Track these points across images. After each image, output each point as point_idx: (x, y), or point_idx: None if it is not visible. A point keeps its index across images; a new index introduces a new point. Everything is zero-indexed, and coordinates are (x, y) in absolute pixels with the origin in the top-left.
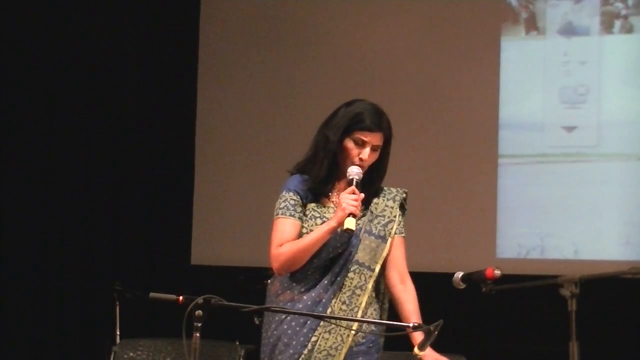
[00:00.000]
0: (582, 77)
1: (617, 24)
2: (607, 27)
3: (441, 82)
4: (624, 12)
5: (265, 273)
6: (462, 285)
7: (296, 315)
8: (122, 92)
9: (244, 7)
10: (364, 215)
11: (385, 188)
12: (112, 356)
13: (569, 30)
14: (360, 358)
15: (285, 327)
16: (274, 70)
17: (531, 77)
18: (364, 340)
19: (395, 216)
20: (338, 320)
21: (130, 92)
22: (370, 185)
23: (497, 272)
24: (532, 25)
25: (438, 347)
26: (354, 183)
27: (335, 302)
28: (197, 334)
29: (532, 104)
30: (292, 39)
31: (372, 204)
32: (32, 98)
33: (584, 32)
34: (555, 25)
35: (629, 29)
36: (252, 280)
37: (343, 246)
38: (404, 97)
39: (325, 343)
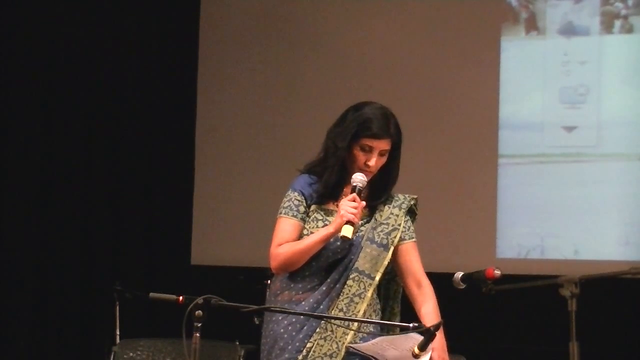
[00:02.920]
0: (582, 77)
1: (617, 24)
2: (607, 27)
3: (441, 82)
4: (624, 12)
5: (265, 273)
6: (462, 285)
7: (294, 320)
8: (122, 92)
9: (244, 7)
10: (367, 222)
11: (393, 195)
12: (112, 356)
13: (569, 30)
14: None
15: (282, 330)
16: (274, 70)
17: (531, 77)
18: (360, 343)
19: (399, 224)
20: (334, 327)
21: (130, 92)
22: (382, 192)
23: (497, 272)
24: (532, 25)
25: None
26: (356, 190)
27: (332, 310)
28: (197, 334)
29: (532, 104)
30: (292, 38)
31: (377, 211)
32: (32, 98)
33: (584, 32)
34: (555, 25)
35: (629, 29)
36: (252, 280)
37: (343, 252)
38: (404, 97)
39: (320, 350)
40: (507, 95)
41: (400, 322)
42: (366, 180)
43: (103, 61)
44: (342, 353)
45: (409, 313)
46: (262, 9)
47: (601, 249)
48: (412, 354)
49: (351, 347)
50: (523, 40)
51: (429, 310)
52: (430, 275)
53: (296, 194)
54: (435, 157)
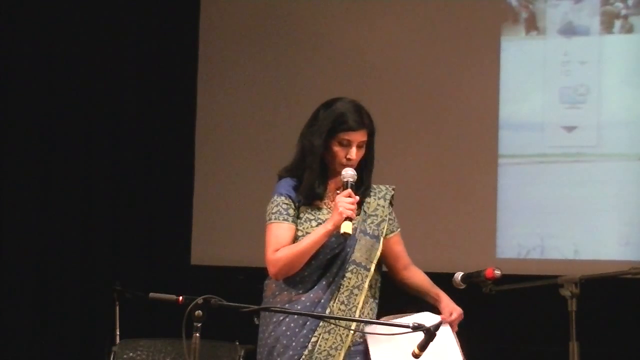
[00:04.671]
0: (582, 77)
1: (617, 24)
2: (607, 27)
3: (441, 82)
4: (624, 12)
5: (265, 273)
6: (462, 285)
7: (295, 317)
8: (122, 92)
9: (244, 7)
10: (357, 215)
11: (374, 186)
12: (112, 356)
13: (569, 30)
14: (358, 358)
15: (284, 328)
16: (274, 70)
17: (531, 77)
18: (361, 340)
19: (386, 215)
20: (337, 321)
21: (130, 92)
22: (361, 183)
23: (497, 272)
24: (532, 25)
25: None
26: (349, 186)
27: (333, 303)
28: (197, 334)
29: (532, 104)
30: (292, 38)
31: (364, 204)
32: (32, 98)
33: (584, 32)
34: (555, 25)
35: (629, 29)
36: (252, 280)
37: (340, 247)
38: (404, 97)
39: (325, 343)
40: (507, 95)
41: (395, 318)
42: (356, 174)
43: (103, 61)
44: (346, 345)
45: (407, 311)
46: (262, 9)
47: (601, 249)
48: (412, 354)
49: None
50: (523, 40)
51: (424, 278)
52: (430, 276)
53: (283, 197)
54: (435, 157)
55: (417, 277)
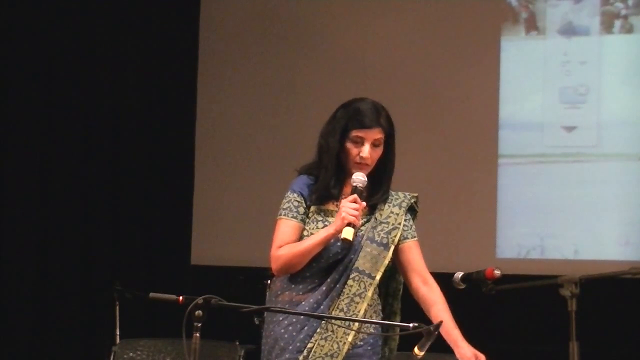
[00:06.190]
0: (582, 77)
1: (617, 24)
2: (607, 27)
3: (441, 82)
4: (624, 12)
5: (265, 273)
6: (462, 285)
7: (294, 320)
8: (122, 91)
9: (244, 7)
10: (367, 221)
11: (393, 192)
12: (112, 356)
13: (569, 30)
14: None
15: (283, 330)
16: (274, 70)
17: (531, 77)
18: (361, 343)
19: (399, 223)
20: (335, 327)
21: (130, 92)
22: (379, 187)
23: (497, 272)
24: (532, 25)
25: (438, 347)
26: (357, 191)
27: (332, 310)
28: (197, 334)
29: (532, 104)
30: (292, 38)
31: (377, 210)
32: (32, 98)
33: (584, 32)
34: (555, 25)
35: (629, 29)
36: (252, 280)
37: (343, 252)
38: (404, 97)
39: (321, 350)
40: (507, 95)
41: (401, 321)
42: (366, 180)
43: (103, 61)
44: (343, 353)
45: (409, 312)
46: (262, 9)
47: (601, 249)
48: (413, 354)
49: None
50: (523, 40)
51: (443, 309)
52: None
53: (295, 195)
54: (435, 157)
55: (436, 304)
